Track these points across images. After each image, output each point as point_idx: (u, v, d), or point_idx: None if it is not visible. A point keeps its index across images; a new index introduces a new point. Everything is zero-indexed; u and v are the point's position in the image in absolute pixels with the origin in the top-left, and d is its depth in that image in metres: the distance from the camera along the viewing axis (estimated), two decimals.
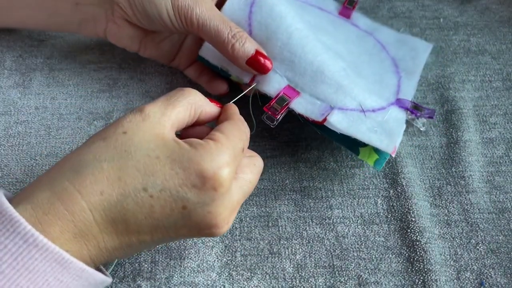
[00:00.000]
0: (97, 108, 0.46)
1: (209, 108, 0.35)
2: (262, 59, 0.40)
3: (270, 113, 0.39)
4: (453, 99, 0.48)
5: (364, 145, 0.39)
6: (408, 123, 0.42)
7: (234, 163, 0.31)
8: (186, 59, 0.47)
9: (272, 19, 0.41)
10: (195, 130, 0.35)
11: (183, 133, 0.35)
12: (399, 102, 0.42)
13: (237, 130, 0.33)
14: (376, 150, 0.39)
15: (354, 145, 0.40)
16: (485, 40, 0.52)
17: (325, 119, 0.38)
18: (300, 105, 0.40)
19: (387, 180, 0.43)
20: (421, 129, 0.45)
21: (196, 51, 0.44)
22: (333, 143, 0.45)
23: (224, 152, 0.31)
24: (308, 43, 0.41)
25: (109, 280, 0.31)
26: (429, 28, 0.53)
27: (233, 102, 0.37)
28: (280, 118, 0.40)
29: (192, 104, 0.33)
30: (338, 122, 0.38)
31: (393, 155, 0.38)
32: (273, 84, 0.41)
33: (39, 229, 0.27)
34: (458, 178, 0.43)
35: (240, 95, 0.40)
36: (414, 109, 0.42)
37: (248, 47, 0.39)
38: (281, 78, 0.41)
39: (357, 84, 0.41)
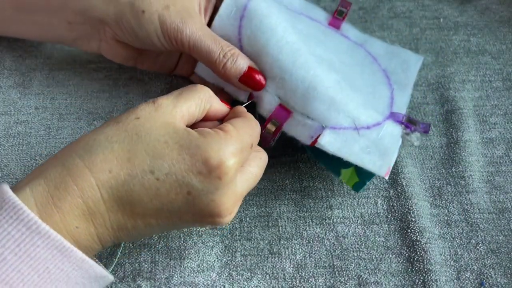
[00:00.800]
0: (97, 108, 0.46)
1: (219, 105, 0.35)
2: (255, 75, 0.39)
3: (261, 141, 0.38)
4: (453, 99, 0.48)
5: (347, 166, 0.39)
6: (402, 137, 0.41)
7: (241, 156, 0.32)
8: (188, 66, 0.46)
9: (262, 32, 0.40)
10: (204, 125, 0.36)
11: (193, 127, 0.36)
12: (393, 116, 0.41)
13: (248, 127, 0.34)
14: (358, 174, 0.39)
15: (337, 165, 0.39)
16: (485, 40, 0.52)
17: (315, 141, 0.37)
18: (291, 127, 0.39)
19: (387, 180, 0.43)
20: (415, 143, 0.44)
21: None
22: None
23: (232, 143, 0.31)
24: (299, 57, 0.39)
25: (110, 277, 0.31)
26: (429, 28, 0.53)
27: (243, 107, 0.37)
28: (275, 141, 0.40)
29: (203, 99, 0.34)
30: (330, 143, 0.37)
31: (386, 177, 0.38)
32: (265, 105, 0.40)
33: (50, 203, 0.29)
34: (458, 178, 0.43)
35: (249, 101, 0.41)
36: (409, 123, 0.41)
37: (240, 64, 0.39)
38: (273, 97, 0.40)
39: (351, 98, 0.39)
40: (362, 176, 0.39)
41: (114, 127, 0.31)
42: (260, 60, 0.40)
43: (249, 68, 0.39)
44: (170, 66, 0.46)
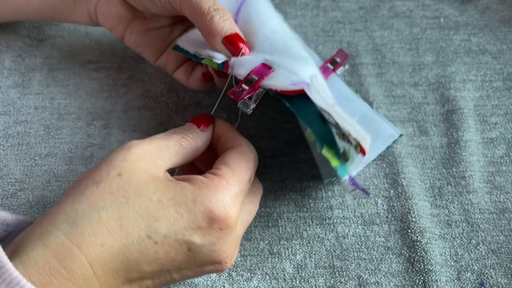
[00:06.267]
0: (96, 108, 0.46)
1: (201, 140, 0.34)
2: (239, 42, 0.36)
3: (232, 97, 0.34)
4: (454, 99, 0.47)
5: (330, 145, 0.33)
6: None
7: (240, 199, 0.31)
8: (174, 58, 0.44)
9: (258, 15, 0.40)
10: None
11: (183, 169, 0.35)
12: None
13: (244, 162, 0.32)
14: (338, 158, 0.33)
15: (322, 139, 0.33)
16: (486, 39, 0.52)
17: (298, 91, 0.33)
18: (271, 79, 0.35)
19: (388, 180, 0.43)
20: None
21: None
22: None
23: (230, 190, 0.30)
24: (291, 41, 0.39)
25: None
26: (430, 28, 0.53)
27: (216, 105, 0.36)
28: (253, 103, 0.35)
29: (182, 140, 0.32)
30: (323, 91, 0.33)
31: (364, 155, 0.34)
32: (247, 65, 0.36)
33: None
34: (458, 178, 0.43)
35: (220, 97, 0.38)
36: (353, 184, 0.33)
37: (228, 25, 0.36)
38: (256, 57, 0.36)
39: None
40: (342, 162, 0.33)
41: (95, 191, 0.27)
42: (251, 37, 0.39)
43: (236, 34, 0.36)
44: (156, 48, 0.44)
